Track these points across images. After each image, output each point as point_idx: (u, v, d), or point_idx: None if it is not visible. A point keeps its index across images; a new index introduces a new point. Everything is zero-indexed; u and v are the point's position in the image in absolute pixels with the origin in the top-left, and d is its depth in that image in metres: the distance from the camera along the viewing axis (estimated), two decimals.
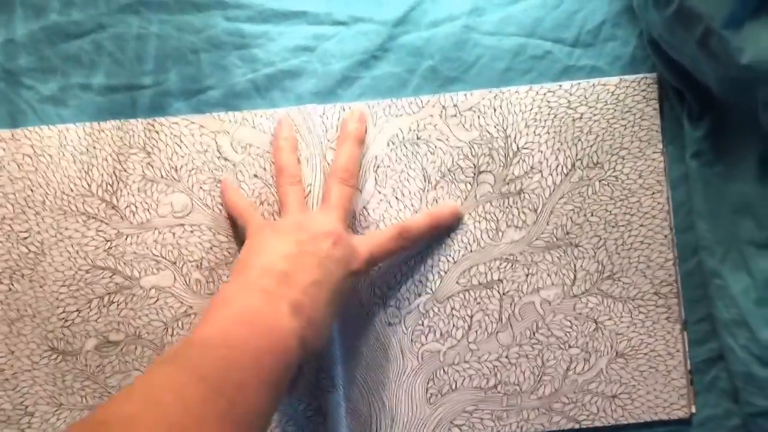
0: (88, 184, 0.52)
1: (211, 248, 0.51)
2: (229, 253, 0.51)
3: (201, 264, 0.51)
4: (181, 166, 0.52)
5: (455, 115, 0.54)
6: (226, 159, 0.52)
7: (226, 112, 0.53)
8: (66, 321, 0.51)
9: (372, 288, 0.53)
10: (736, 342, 0.50)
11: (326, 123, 0.54)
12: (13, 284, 0.51)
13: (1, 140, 0.52)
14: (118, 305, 0.51)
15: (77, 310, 0.51)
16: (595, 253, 0.54)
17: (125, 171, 0.52)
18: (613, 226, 0.54)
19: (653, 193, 0.54)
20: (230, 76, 0.54)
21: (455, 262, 0.54)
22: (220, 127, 0.52)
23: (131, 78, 0.54)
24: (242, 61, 0.55)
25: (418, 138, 0.54)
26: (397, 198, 0.54)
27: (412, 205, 0.54)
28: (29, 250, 0.52)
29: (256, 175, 0.52)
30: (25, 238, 0.52)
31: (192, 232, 0.51)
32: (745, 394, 0.51)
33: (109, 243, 0.52)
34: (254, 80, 0.54)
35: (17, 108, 0.54)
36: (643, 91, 0.54)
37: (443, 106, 0.54)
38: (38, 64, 0.54)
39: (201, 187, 0.52)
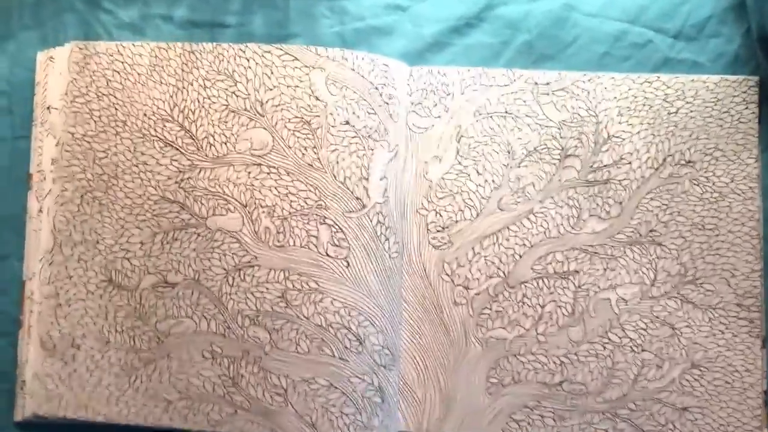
0: (171, 107, 0.49)
1: (287, 195, 0.48)
2: (306, 203, 0.48)
3: (273, 211, 0.48)
4: (268, 100, 0.49)
5: (547, 94, 0.52)
6: (317, 98, 0.49)
7: (325, 48, 0.50)
8: (128, 252, 0.48)
9: (441, 264, 0.50)
10: None
11: (411, 85, 0.51)
12: (82, 205, 0.48)
13: (96, 53, 0.50)
14: (181, 243, 0.48)
15: (140, 242, 0.48)
16: (678, 254, 0.51)
17: (209, 98, 0.49)
18: (699, 229, 0.51)
19: (744, 199, 0.51)
20: (317, 25, 0.52)
21: (531, 247, 0.50)
22: (315, 62, 0.49)
23: (215, 15, 0.52)
24: (331, 12, 0.52)
25: (506, 112, 0.51)
26: (478, 172, 0.51)
27: (493, 181, 0.51)
28: (104, 171, 0.49)
29: (347, 122, 0.49)
30: (102, 158, 0.49)
31: (269, 174, 0.48)
32: None
33: (181, 174, 0.48)
34: (341, 33, 0.52)
35: (93, 31, 0.51)
36: (743, 92, 0.52)
37: (536, 83, 0.52)
38: None
39: (285, 126, 0.49)
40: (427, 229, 0.51)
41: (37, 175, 0.49)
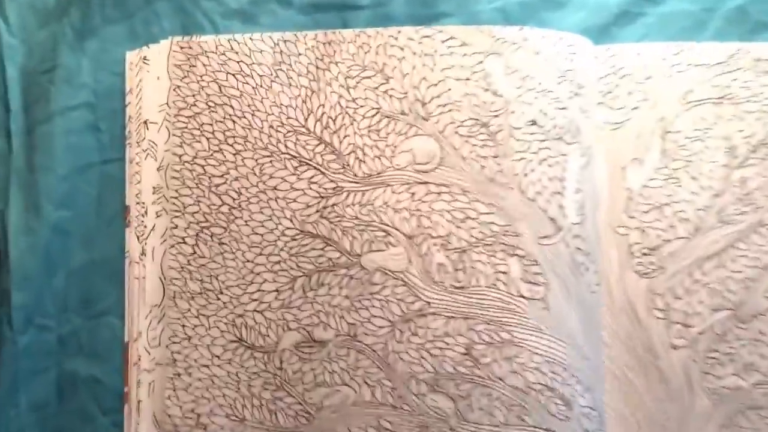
0: (304, 116, 0.39)
1: (465, 220, 0.37)
2: (491, 230, 0.37)
3: (448, 242, 0.37)
4: (431, 99, 0.38)
5: None
6: (495, 93, 0.38)
7: (502, 26, 0.39)
8: (260, 303, 0.38)
9: (651, 296, 0.39)
10: None
11: (599, 69, 0.41)
12: (198, 245, 0.38)
13: (203, 53, 0.39)
14: (329, 289, 0.38)
15: (276, 291, 0.38)
16: None
17: (353, 101, 0.38)
18: None
19: None
20: (472, 0, 0.41)
21: (766, 269, 0.39)
22: (491, 47, 0.39)
23: None
24: None
25: (722, 97, 0.41)
26: (691, 176, 0.40)
27: (711, 187, 0.40)
28: (222, 201, 0.39)
29: (534, 122, 0.38)
30: (220, 184, 0.39)
31: (439, 194, 0.38)
32: None
33: (323, 201, 0.38)
34: (503, 8, 0.42)
35: (193, 22, 0.42)
36: None
37: (756, 58, 0.41)
38: None
39: (457, 131, 0.38)
40: (630, 253, 0.40)
41: (135, 207, 0.39)
